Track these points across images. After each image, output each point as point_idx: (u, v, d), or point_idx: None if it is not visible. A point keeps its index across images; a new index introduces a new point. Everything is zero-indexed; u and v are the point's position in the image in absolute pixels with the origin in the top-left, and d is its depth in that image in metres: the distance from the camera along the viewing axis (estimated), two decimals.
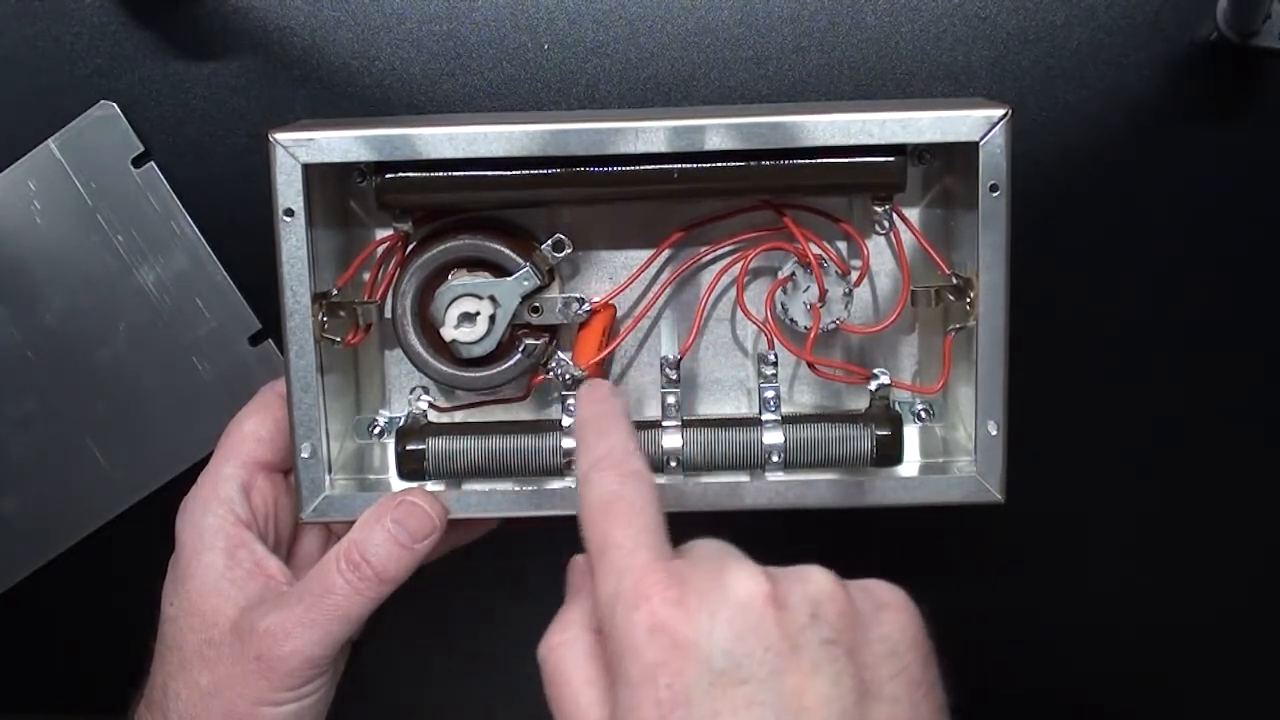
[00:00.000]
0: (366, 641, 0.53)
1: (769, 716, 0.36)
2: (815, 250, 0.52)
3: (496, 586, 0.64)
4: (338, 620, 0.49)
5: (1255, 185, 0.60)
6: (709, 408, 0.56)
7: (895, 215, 0.52)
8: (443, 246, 0.52)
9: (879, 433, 0.52)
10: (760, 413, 0.52)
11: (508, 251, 0.52)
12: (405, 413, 0.55)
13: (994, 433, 0.50)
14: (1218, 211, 0.60)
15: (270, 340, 0.62)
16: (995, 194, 0.48)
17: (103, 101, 0.60)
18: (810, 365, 0.53)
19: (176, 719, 0.50)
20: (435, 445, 0.52)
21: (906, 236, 0.53)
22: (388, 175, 0.50)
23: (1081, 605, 0.65)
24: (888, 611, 0.40)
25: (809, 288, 0.53)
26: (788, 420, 0.52)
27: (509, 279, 0.52)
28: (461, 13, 0.60)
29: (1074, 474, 0.63)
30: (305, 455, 0.51)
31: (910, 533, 0.62)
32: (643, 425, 0.52)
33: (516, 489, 0.52)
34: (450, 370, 0.53)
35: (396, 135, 0.48)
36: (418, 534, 0.50)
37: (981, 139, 0.48)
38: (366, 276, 0.54)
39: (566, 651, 0.41)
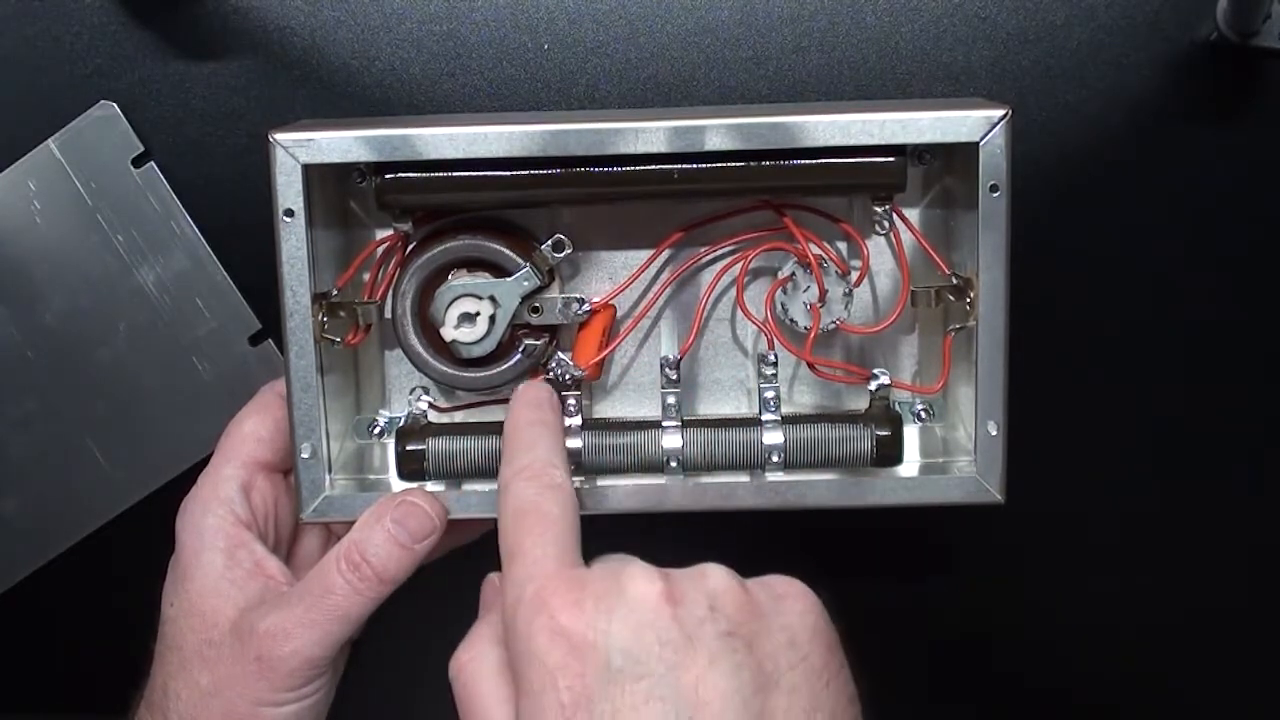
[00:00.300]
0: (366, 641, 0.53)
1: (668, 711, 0.37)
2: (815, 250, 0.52)
3: None
4: (338, 620, 0.49)
5: (1255, 185, 0.60)
6: (709, 408, 0.56)
7: (895, 215, 0.52)
8: (443, 247, 0.52)
9: (879, 433, 0.52)
10: (760, 413, 0.52)
11: (508, 251, 0.52)
12: (405, 413, 0.55)
13: (994, 433, 0.50)
14: (1218, 211, 0.60)
15: (270, 340, 0.62)
16: (995, 194, 0.48)
17: (103, 101, 0.60)
18: (810, 365, 0.53)
19: (176, 719, 0.50)
20: (435, 445, 0.52)
21: (906, 236, 0.53)
22: (387, 175, 0.50)
23: (1081, 605, 0.65)
24: (786, 601, 0.41)
25: (809, 288, 0.53)
26: (788, 420, 0.52)
27: (509, 279, 0.52)
28: (461, 13, 0.60)
29: (1074, 474, 0.63)
30: (305, 455, 0.51)
31: (910, 533, 0.62)
32: (643, 425, 0.52)
33: None
34: (450, 370, 0.53)
35: (396, 135, 0.48)
36: (418, 534, 0.50)
37: (981, 139, 0.48)
38: (366, 277, 0.54)
39: (476, 668, 0.42)
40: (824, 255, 0.52)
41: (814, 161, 0.49)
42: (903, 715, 0.59)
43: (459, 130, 0.48)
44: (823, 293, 0.52)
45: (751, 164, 0.49)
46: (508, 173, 0.49)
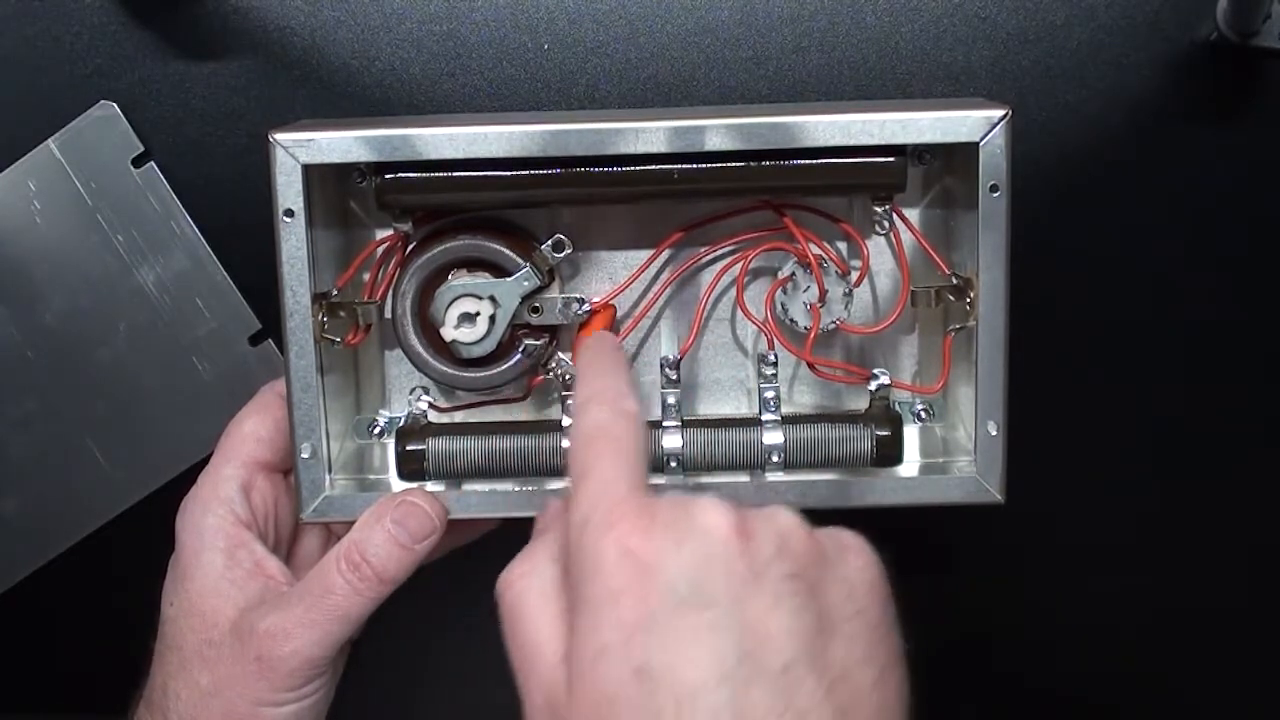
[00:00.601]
0: (366, 641, 0.53)
1: (730, 642, 0.37)
2: (815, 250, 0.52)
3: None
4: (338, 620, 0.49)
5: (1255, 185, 0.60)
6: (709, 408, 0.56)
7: (895, 215, 0.52)
8: (443, 247, 0.52)
9: (879, 433, 0.52)
10: (760, 413, 0.52)
11: (508, 251, 0.52)
12: (405, 413, 0.55)
13: (994, 433, 0.50)
14: (1218, 211, 0.60)
15: (270, 340, 0.62)
16: (995, 194, 0.48)
17: (103, 101, 0.60)
18: (810, 365, 0.53)
19: (176, 719, 0.50)
20: (435, 445, 0.52)
21: (906, 237, 0.53)
22: (387, 175, 0.50)
23: (1081, 605, 0.65)
24: (848, 554, 0.41)
25: (809, 288, 0.53)
26: (788, 420, 0.52)
27: (509, 279, 0.52)
28: (461, 13, 0.60)
29: (1074, 474, 0.63)
30: (305, 455, 0.51)
31: (910, 533, 0.62)
32: None
33: (516, 489, 0.52)
34: (450, 370, 0.53)
35: (396, 135, 0.48)
36: (418, 534, 0.50)
37: (981, 139, 0.48)
38: (366, 277, 0.54)
39: (529, 583, 0.41)
40: (824, 255, 0.52)
41: (814, 161, 0.49)
42: None
43: (459, 130, 0.48)
44: (823, 293, 0.52)
45: (751, 164, 0.49)
46: (508, 173, 0.49)
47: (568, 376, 0.52)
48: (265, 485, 0.53)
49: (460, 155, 0.48)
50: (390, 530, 0.50)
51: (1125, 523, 0.64)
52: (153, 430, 0.62)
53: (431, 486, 0.52)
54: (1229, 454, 0.63)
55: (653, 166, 0.49)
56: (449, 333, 0.52)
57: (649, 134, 0.48)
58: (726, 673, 0.36)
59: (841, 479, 0.52)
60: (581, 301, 0.53)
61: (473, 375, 0.53)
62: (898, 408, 0.54)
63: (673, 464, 0.52)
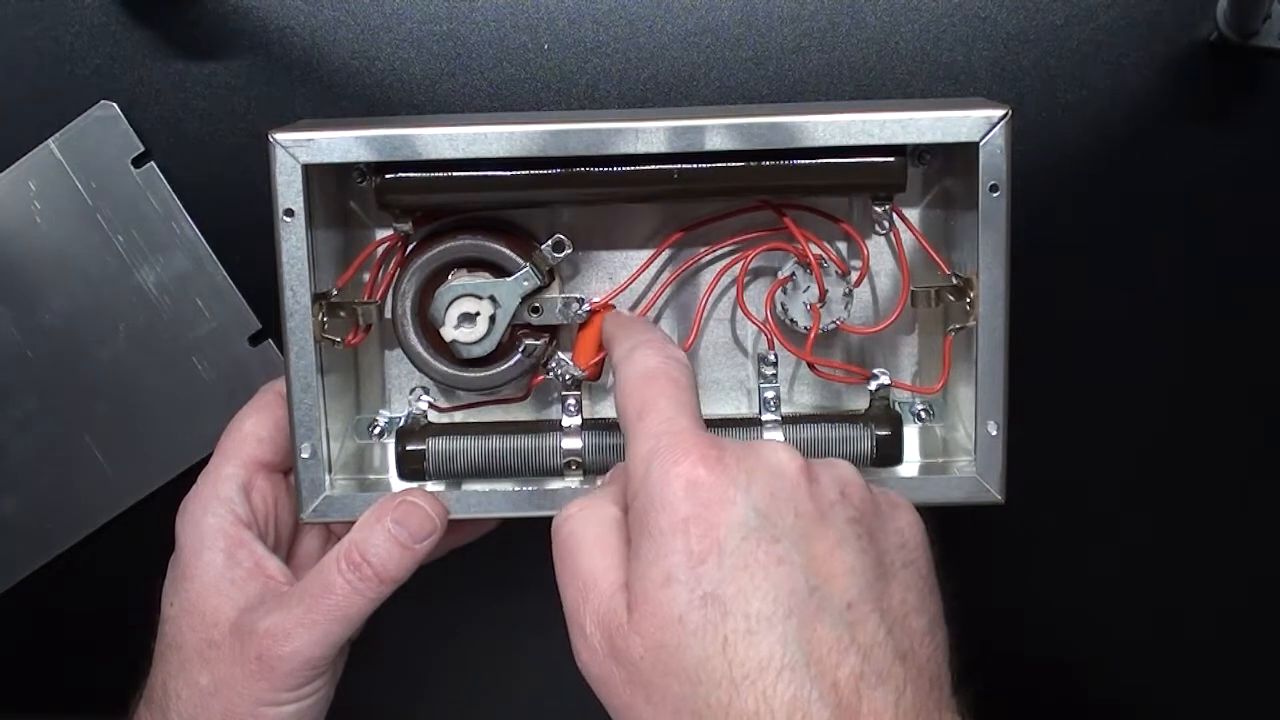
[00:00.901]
0: (366, 641, 0.53)
1: (797, 575, 0.38)
2: (815, 250, 0.52)
3: (496, 586, 0.64)
4: (338, 620, 0.49)
5: (1255, 185, 0.60)
6: (709, 408, 0.56)
7: (895, 215, 0.52)
8: (443, 247, 0.52)
9: (879, 433, 0.52)
10: (760, 413, 0.52)
11: (508, 252, 0.52)
12: (405, 413, 0.55)
13: (994, 433, 0.50)
14: (1218, 211, 0.60)
15: (270, 340, 0.62)
16: (995, 194, 0.48)
17: (103, 101, 0.60)
18: (810, 365, 0.53)
19: (177, 719, 0.50)
20: (435, 445, 0.52)
21: (906, 236, 0.53)
22: (387, 175, 0.50)
23: (1081, 605, 0.65)
24: (899, 510, 0.42)
25: (809, 288, 0.53)
26: (788, 420, 0.52)
27: (509, 279, 0.52)
28: (461, 13, 0.60)
29: (1074, 474, 0.63)
30: (305, 455, 0.51)
31: None
32: None
33: (516, 489, 0.52)
34: (450, 370, 0.53)
35: (396, 135, 0.48)
36: (418, 534, 0.50)
37: (981, 139, 0.48)
38: (366, 277, 0.54)
39: (587, 515, 0.42)
40: (824, 255, 0.52)
41: (814, 161, 0.49)
42: None
43: (459, 130, 0.48)
44: (823, 293, 0.52)
45: (751, 164, 0.49)
46: (508, 173, 0.49)
47: (568, 377, 0.52)
48: (265, 485, 0.53)
49: (460, 155, 0.48)
50: (390, 530, 0.50)
51: (1125, 522, 0.64)
52: (153, 430, 0.62)
53: (431, 486, 0.52)
54: (1229, 454, 0.63)
55: (653, 166, 0.49)
56: (449, 333, 0.52)
57: (649, 134, 0.48)
58: (795, 605, 0.37)
59: None
60: (581, 301, 0.53)
61: (473, 375, 0.53)
62: (898, 408, 0.54)
63: None
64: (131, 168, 0.61)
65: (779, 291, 0.53)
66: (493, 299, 0.52)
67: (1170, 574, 0.64)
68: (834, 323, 0.53)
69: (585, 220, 0.54)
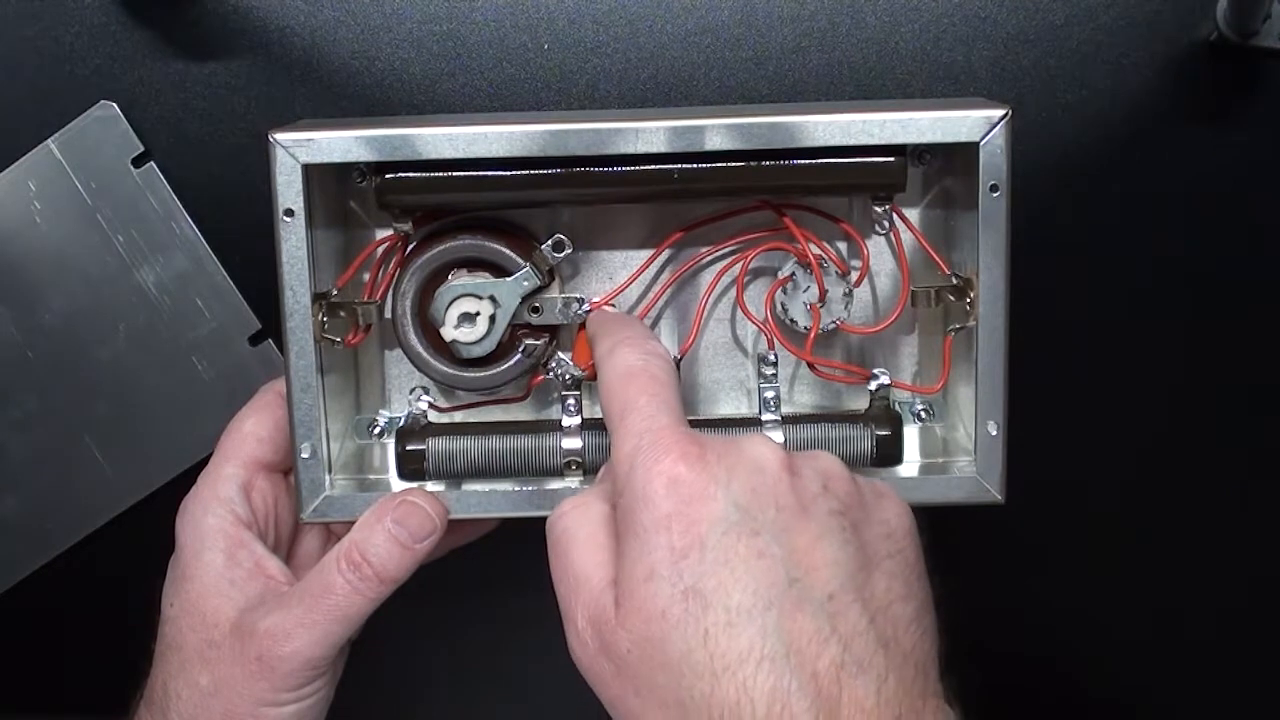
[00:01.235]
0: (366, 641, 0.53)
1: (778, 568, 0.38)
2: (815, 250, 0.52)
3: (496, 586, 0.64)
4: (338, 620, 0.49)
5: (1254, 185, 0.60)
6: (709, 408, 0.56)
7: (895, 215, 0.52)
8: (443, 247, 0.52)
9: (879, 433, 0.52)
10: (760, 413, 0.52)
11: (508, 251, 0.52)
12: (405, 413, 0.55)
13: (994, 433, 0.50)
14: (1217, 211, 0.60)
15: (270, 340, 0.62)
16: (995, 194, 0.48)
17: (103, 101, 0.60)
18: (810, 365, 0.53)
19: (177, 719, 0.50)
20: (435, 445, 0.52)
21: (906, 236, 0.53)
22: (388, 175, 0.50)
23: (1082, 605, 0.65)
24: (885, 500, 0.43)
25: (809, 288, 0.53)
26: (788, 420, 0.52)
27: (509, 279, 0.52)
28: (461, 13, 0.60)
29: (1074, 474, 0.63)
30: (305, 455, 0.51)
31: None
32: None
33: (516, 489, 0.52)
34: (450, 370, 0.53)
35: (396, 135, 0.48)
36: (418, 534, 0.50)
37: (981, 139, 0.48)
38: (366, 277, 0.54)
39: (579, 514, 0.43)
40: (824, 255, 0.52)
41: (814, 161, 0.49)
42: None
43: (459, 130, 0.48)
44: (823, 293, 0.52)
45: (751, 164, 0.49)
46: (508, 173, 0.49)
47: (568, 376, 0.52)
48: (265, 485, 0.53)
49: (460, 155, 0.48)
50: (390, 530, 0.50)
51: (1125, 522, 0.64)
52: (153, 430, 0.62)
53: (431, 486, 0.52)
54: (1229, 453, 0.63)
55: (653, 166, 0.49)
56: (449, 333, 0.52)
57: (649, 134, 0.48)
58: (774, 597, 0.38)
59: None
60: (581, 301, 0.53)
61: (473, 375, 0.53)
62: (898, 408, 0.54)
63: None
64: (131, 168, 0.61)
65: (779, 291, 0.53)
66: (493, 299, 0.52)
67: (1170, 574, 0.64)
68: (834, 323, 0.53)
69: (585, 220, 0.54)
